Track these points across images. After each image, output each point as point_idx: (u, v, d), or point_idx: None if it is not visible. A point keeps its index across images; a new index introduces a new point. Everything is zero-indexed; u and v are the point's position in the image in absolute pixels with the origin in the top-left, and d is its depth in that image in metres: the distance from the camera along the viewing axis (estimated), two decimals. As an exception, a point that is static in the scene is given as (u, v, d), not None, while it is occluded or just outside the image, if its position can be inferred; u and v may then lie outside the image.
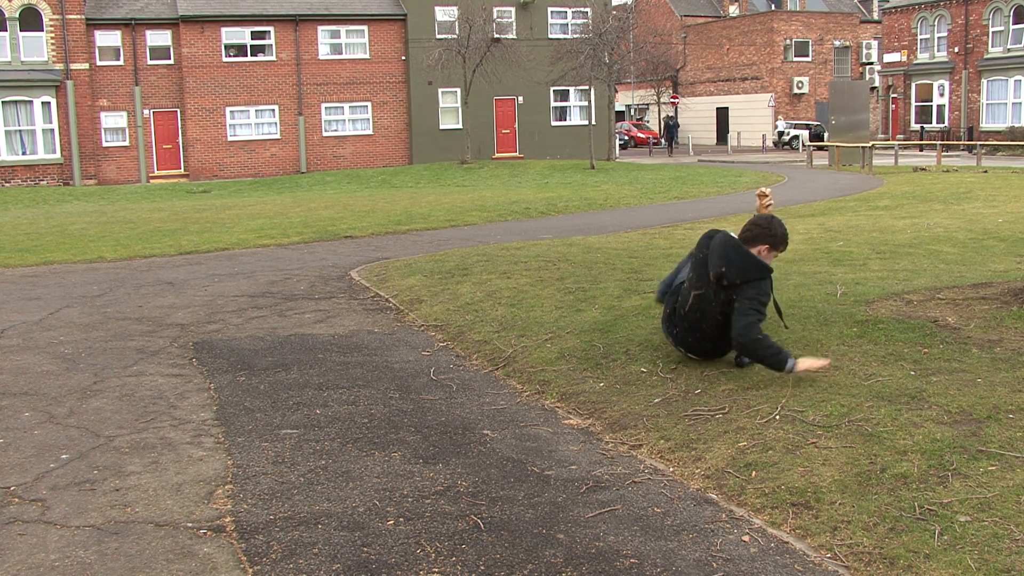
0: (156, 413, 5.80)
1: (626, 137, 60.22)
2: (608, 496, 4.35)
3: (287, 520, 4.16)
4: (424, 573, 3.65)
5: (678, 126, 50.42)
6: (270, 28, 40.91)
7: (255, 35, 40.88)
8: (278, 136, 41.60)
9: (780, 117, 57.08)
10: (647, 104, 66.87)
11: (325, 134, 42.11)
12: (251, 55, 41.01)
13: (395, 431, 5.33)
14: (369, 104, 42.55)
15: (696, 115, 62.33)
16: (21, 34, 38.37)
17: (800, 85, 58.39)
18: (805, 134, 51.68)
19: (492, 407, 5.76)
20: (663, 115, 61.29)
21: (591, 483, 4.51)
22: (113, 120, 40.01)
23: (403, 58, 42.51)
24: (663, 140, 50.65)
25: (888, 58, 52.06)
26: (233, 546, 3.94)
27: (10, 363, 7.20)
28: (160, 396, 6.17)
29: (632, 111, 69.96)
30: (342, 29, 41.89)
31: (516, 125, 44.60)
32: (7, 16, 38.02)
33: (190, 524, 4.18)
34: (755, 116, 58.83)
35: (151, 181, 39.84)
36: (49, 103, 38.45)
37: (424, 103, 42.91)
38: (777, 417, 4.95)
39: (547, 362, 6.48)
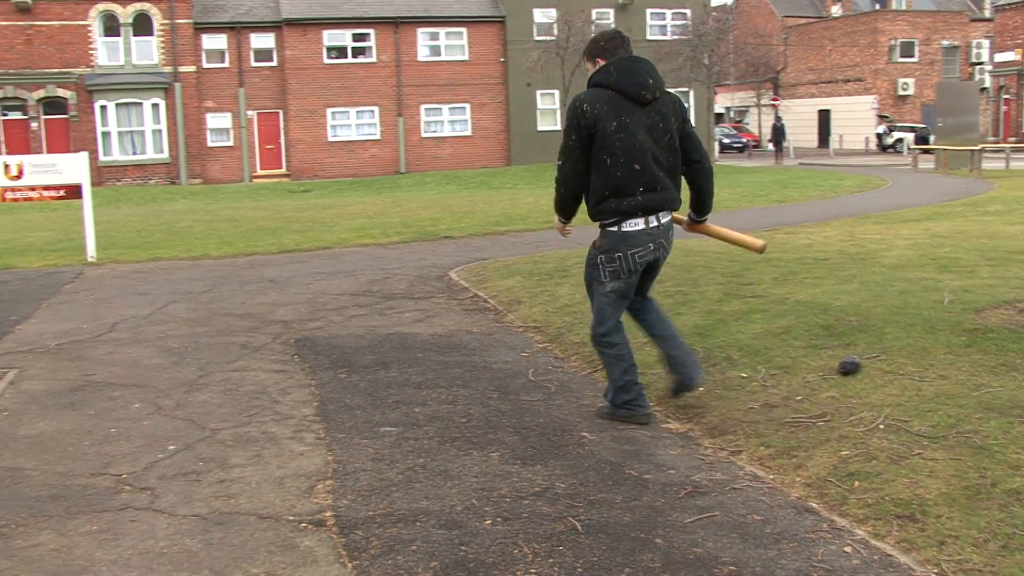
0: (259, 408, 5.92)
1: (743, 140, 59.13)
2: (707, 502, 4.31)
3: (386, 516, 4.20)
4: (521, 574, 3.65)
5: (785, 129, 49.42)
6: (371, 30, 41.44)
7: (356, 37, 41.45)
8: (378, 137, 42.10)
9: (882, 121, 55.86)
10: (747, 107, 66.09)
11: (424, 135, 42.50)
12: (352, 57, 41.59)
13: (493, 431, 5.35)
14: (468, 105, 42.83)
15: (797, 118, 61.40)
16: (134, 39, 39.54)
17: (905, 87, 57.20)
18: (910, 137, 50.57)
19: (591, 409, 5.74)
20: (772, 119, 60.45)
21: (689, 488, 4.47)
22: (218, 121, 40.93)
23: (501, 60, 42.69)
24: (771, 143, 49.75)
25: (1000, 57, 50.71)
26: (333, 540, 3.99)
27: (121, 356, 7.42)
28: (263, 391, 6.29)
29: (731, 114, 69.22)
30: (441, 31, 42.26)
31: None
32: (121, 22, 39.16)
33: (291, 517, 4.24)
34: (857, 118, 57.74)
35: (254, 180, 40.63)
36: (158, 105, 39.48)
37: (522, 105, 43.02)
38: (881, 426, 4.86)
39: (646, 365, 6.43)
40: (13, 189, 13.47)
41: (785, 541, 3.89)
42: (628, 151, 5.13)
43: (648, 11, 44.41)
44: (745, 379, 5.94)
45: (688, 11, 41.42)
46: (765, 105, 61.57)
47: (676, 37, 40.25)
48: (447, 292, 9.82)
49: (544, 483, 4.55)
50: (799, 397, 5.50)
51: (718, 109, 57.76)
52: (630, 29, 43.19)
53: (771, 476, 4.61)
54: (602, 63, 5.32)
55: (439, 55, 42.25)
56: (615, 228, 5.23)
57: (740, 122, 67.56)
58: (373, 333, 7.97)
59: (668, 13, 44.32)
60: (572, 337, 7.46)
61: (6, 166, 13.51)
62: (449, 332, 7.97)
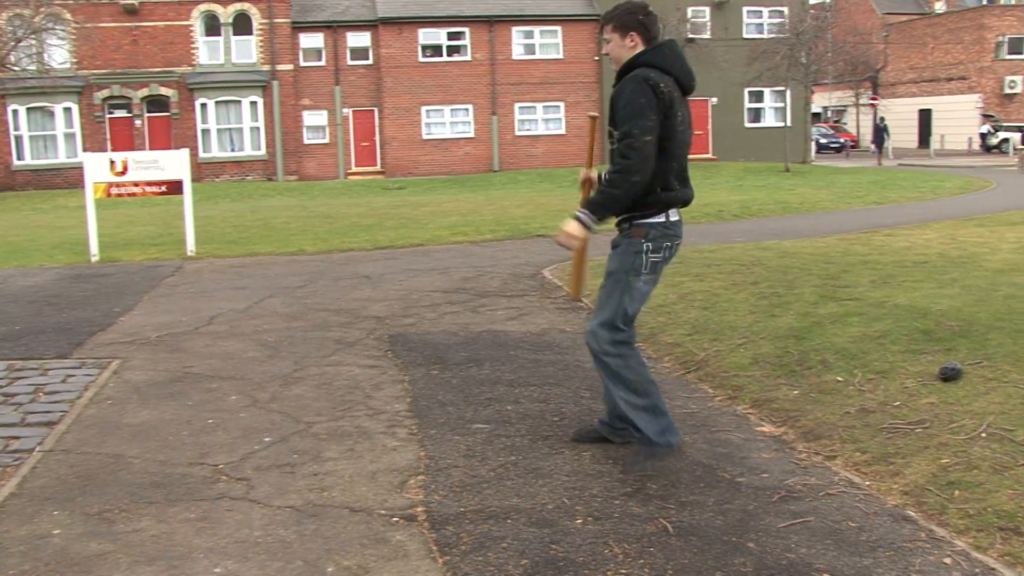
0: (352, 402, 5.99)
1: (841, 140, 58.00)
2: (801, 507, 4.25)
3: (477, 513, 4.22)
4: (611, 574, 3.64)
5: (887, 129, 48.01)
6: (465, 29, 41.64)
7: (451, 36, 41.69)
8: (472, 135, 42.29)
9: (987, 120, 54.34)
10: (844, 106, 64.94)
11: (518, 133, 42.57)
12: (447, 55, 41.80)
13: (585, 430, 5.34)
14: (562, 104, 42.78)
15: (896, 117, 60.10)
16: (233, 38, 40.33)
17: (1012, 85, 55.59)
18: (1016, 137, 49.15)
19: (683, 410, 5.70)
20: (872, 118, 59.30)
21: (783, 492, 4.41)
22: (314, 118, 41.49)
23: (596, 58, 42.54)
24: (872, 144, 48.62)
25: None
26: (424, 535, 4.03)
27: (219, 348, 7.58)
28: (356, 386, 6.36)
29: (828, 113, 68.08)
30: (536, 30, 42.27)
31: (709, 126, 43.99)
32: (222, 21, 39.97)
33: (383, 511, 4.29)
34: (960, 118, 56.29)
35: (349, 177, 41.10)
36: (256, 102, 40.19)
37: (616, 103, 42.81)
38: (983, 435, 4.74)
39: (740, 367, 6.38)
40: (118, 185, 13.83)
41: (881, 549, 3.82)
42: (681, 144, 4.77)
43: (745, 9, 43.84)
44: (841, 383, 5.84)
45: (785, 9, 40.77)
46: (863, 105, 60.41)
47: (773, 35, 39.63)
48: (540, 290, 9.82)
49: (636, 483, 4.54)
50: (897, 403, 5.39)
51: (815, 109, 56.79)
52: (726, 27, 42.78)
53: (867, 483, 4.53)
54: (638, 39, 4.76)
55: (533, 53, 42.28)
56: (662, 218, 4.77)
57: (838, 122, 66.42)
58: (466, 330, 8.01)
59: (765, 11, 43.70)
60: (665, 337, 7.41)
61: (112, 162, 13.88)
62: (542, 330, 7.97)
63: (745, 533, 3.97)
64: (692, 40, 38.75)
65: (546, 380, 6.40)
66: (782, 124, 39.39)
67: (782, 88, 38.70)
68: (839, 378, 5.92)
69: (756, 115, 45.09)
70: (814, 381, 5.96)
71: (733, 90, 42.97)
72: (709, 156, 43.49)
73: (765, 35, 41.75)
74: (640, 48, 4.76)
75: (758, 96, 44.47)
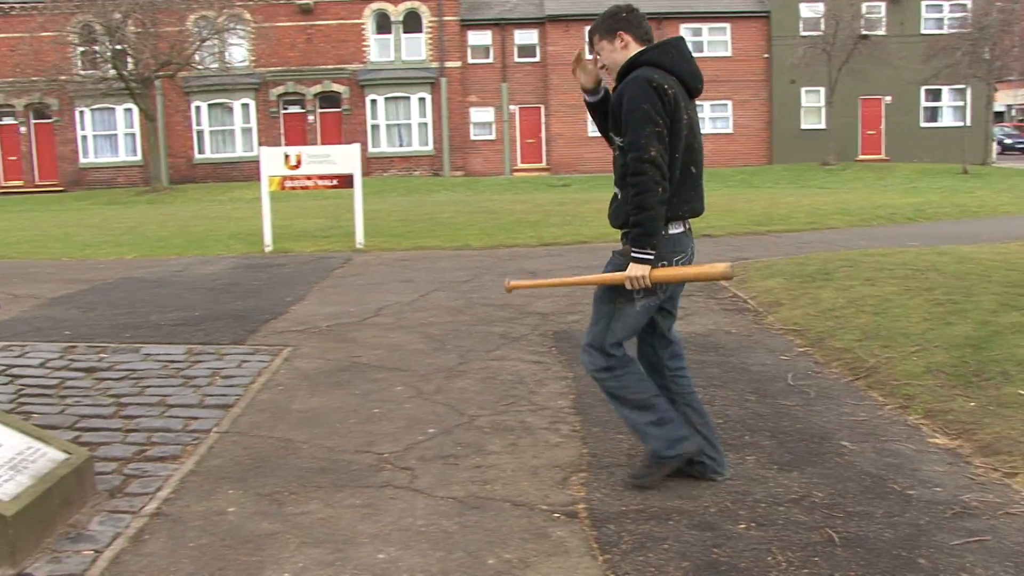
0: (516, 397, 6.03)
1: None
2: (977, 525, 4.06)
3: (639, 513, 4.19)
4: (775, 582, 3.58)
5: None
6: (633, 26, 41.40)
7: (619, 33, 41.51)
8: (637, 133, 42.02)
9: None
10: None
11: (685, 132, 42.12)
12: (614, 53, 41.66)
13: (750, 434, 5.25)
14: (729, 103, 42.21)
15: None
16: (403, 36, 41.15)
17: None
18: None
19: (851, 418, 5.54)
20: None
21: (957, 508, 4.23)
22: (481, 115, 41.99)
23: (765, 56, 41.82)
24: None
25: None
26: (585, 532, 4.03)
27: (386, 340, 7.74)
28: (520, 381, 6.41)
29: (1012, 112, 65.15)
30: (704, 27, 41.81)
31: (882, 126, 42.65)
32: (392, 20, 40.86)
33: (545, 507, 4.31)
34: None
35: (514, 174, 41.44)
36: (425, 99, 40.94)
37: (786, 102, 42.00)
38: None
39: (912, 376, 6.16)
40: (292, 178, 14.29)
41: (1067, 574, 3.63)
42: (691, 150, 4.39)
43: (924, 3, 42.28)
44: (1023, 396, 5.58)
45: (968, 2, 39.22)
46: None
47: (954, 31, 38.17)
48: (706, 291, 9.70)
49: (801, 491, 4.43)
50: (1084, 418, 5.12)
51: (998, 107, 54.34)
52: (902, 23, 41.38)
53: (1051, 502, 4.31)
54: (628, 38, 4.44)
55: (701, 51, 41.76)
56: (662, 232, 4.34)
57: (1023, 121, 63.49)
58: (629, 329, 7.97)
59: (946, 5, 42.06)
60: (834, 342, 7.22)
61: (286, 156, 14.35)
62: (707, 331, 7.88)
63: (916, 548, 3.83)
64: (865, 37, 37.65)
65: (710, 382, 6.31)
66: (961, 124, 37.93)
67: (962, 86, 37.29)
68: (1021, 391, 5.65)
69: (932, 114, 43.45)
70: (993, 393, 5.70)
71: (908, 88, 41.52)
72: (881, 157, 42.19)
73: (944, 30, 40.21)
74: (633, 47, 4.43)
75: (935, 95, 42.84)
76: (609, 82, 4.53)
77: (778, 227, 16.34)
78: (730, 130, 42.36)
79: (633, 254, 4.26)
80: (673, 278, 4.38)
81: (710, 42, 41.87)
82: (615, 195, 4.48)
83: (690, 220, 4.50)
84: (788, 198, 23.46)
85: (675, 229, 4.38)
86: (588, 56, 4.64)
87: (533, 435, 5.30)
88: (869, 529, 4.01)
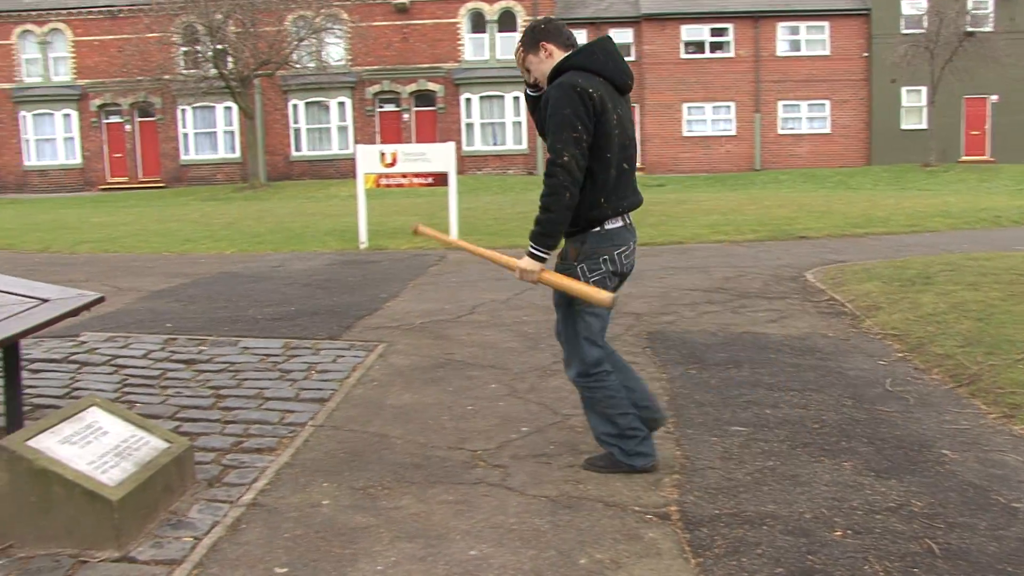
0: (609, 397, 6.00)
1: None
2: (1088, 539, 3.93)
3: (732, 517, 4.14)
4: (873, 591, 3.50)
5: None
6: (729, 25, 41.07)
7: (714, 32, 41.20)
8: (733, 133, 41.67)
9: None
10: None
11: (781, 132, 41.60)
12: (709, 52, 41.34)
13: (846, 440, 5.15)
14: (827, 102, 41.52)
15: None
16: (498, 35, 41.28)
17: None
18: None
19: (952, 426, 5.40)
20: None
21: (1066, 523, 4.10)
22: (574, 114, 41.79)
23: (864, 55, 41.01)
24: None
25: None
26: (678, 535, 3.99)
27: (480, 337, 7.77)
28: (613, 382, 6.37)
29: None
30: (802, 25, 41.16)
31: (988, 126, 41.52)
32: (487, 19, 41.06)
33: (637, 508, 4.28)
34: None
35: (609, 173, 41.23)
36: (519, 98, 40.97)
37: (885, 102, 41.14)
38: None
39: (1018, 384, 5.98)
40: (387, 176, 14.43)
41: None
42: (623, 148, 4.54)
43: (1036, -2, 41.03)
44: None
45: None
46: None
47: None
48: (802, 293, 9.56)
49: (899, 499, 4.33)
50: None
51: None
52: (1012, 19, 40.19)
53: None
54: (551, 47, 4.57)
55: (799, 50, 41.17)
56: (597, 228, 4.53)
57: None
58: (725, 331, 7.89)
59: (1063, -2, 40.77)
60: (935, 348, 7.05)
61: (382, 154, 14.49)
62: (803, 334, 7.75)
63: (1023, 564, 3.71)
64: (971, 34, 36.67)
65: (807, 385, 6.21)
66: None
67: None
68: None
69: (1045, 113, 42.13)
70: (1104, 403, 5.52)
71: (1017, 87, 40.28)
72: (986, 158, 41.08)
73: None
74: (557, 54, 4.55)
75: (1049, 92, 41.52)
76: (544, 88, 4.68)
77: (877, 229, 16.02)
78: (828, 130, 41.65)
79: (530, 249, 4.46)
80: (558, 287, 4.52)
81: (808, 41, 41.20)
82: None
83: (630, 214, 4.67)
84: (887, 200, 23.00)
85: (613, 224, 4.54)
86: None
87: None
88: (972, 542, 3.90)
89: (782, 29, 41.04)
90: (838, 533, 3.97)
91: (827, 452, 4.94)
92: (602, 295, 4.40)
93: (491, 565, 3.75)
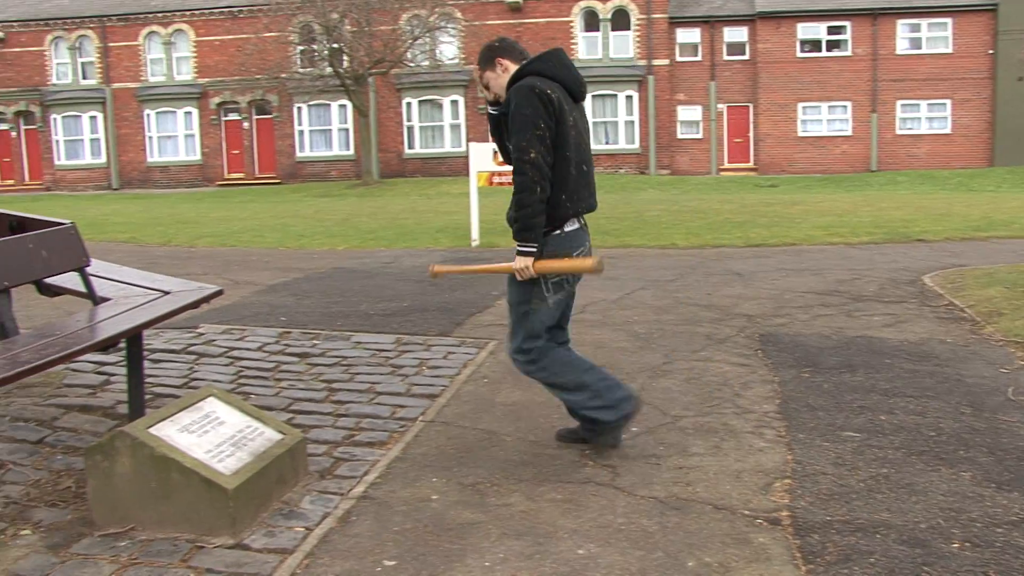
0: (720, 399, 5.95)
1: None
2: None
3: (845, 524, 4.07)
4: (993, 606, 3.40)
5: None
6: (847, 23, 40.22)
7: (831, 30, 40.40)
8: (849, 133, 40.82)
9: None
10: None
11: (899, 132, 40.59)
12: (826, 50, 40.58)
13: (965, 449, 5.01)
14: (948, 102, 40.37)
15: None
16: (611, 33, 41.15)
17: None
18: None
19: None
20: None
21: None
22: (688, 114, 41.58)
23: (990, 52, 39.76)
24: None
25: None
26: (788, 540, 3.93)
27: (591, 337, 7.76)
28: (725, 383, 6.31)
29: None
30: (923, 22, 40.06)
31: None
32: (600, 17, 40.98)
33: (747, 512, 4.23)
34: None
35: (720, 173, 40.89)
36: (632, 97, 40.88)
37: (1011, 101, 39.80)
38: None
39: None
40: (500, 174, 14.48)
41: None
42: (580, 150, 4.81)
43: None
44: None
45: None
46: None
47: None
48: (919, 298, 9.32)
49: (1022, 512, 4.20)
50: None
51: None
52: None
53: None
54: (506, 62, 4.87)
55: (919, 48, 40.10)
56: (558, 231, 4.79)
57: None
58: (839, 334, 7.74)
59: None
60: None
61: (495, 152, 14.53)
62: (920, 340, 7.56)
63: None
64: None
65: (923, 392, 6.05)
66: None
67: None
68: None
69: None
70: None
71: None
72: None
73: None
74: (511, 69, 4.83)
75: None
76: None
77: (999, 233, 15.53)
78: (948, 130, 40.50)
79: (518, 248, 4.70)
80: (551, 269, 4.77)
81: (929, 38, 40.07)
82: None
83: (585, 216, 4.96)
84: (1011, 202, 22.29)
85: (571, 227, 4.82)
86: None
87: (737, 438, 5.21)
88: (1104, 560, 3.76)
89: (902, 26, 40.02)
90: (955, 545, 3.86)
91: (944, 461, 4.82)
92: (588, 263, 4.76)
93: (598, 565, 3.75)
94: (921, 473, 4.65)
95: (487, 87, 4.94)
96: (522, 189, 4.59)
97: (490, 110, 5.03)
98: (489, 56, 4.91)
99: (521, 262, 4.71)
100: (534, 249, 4.69)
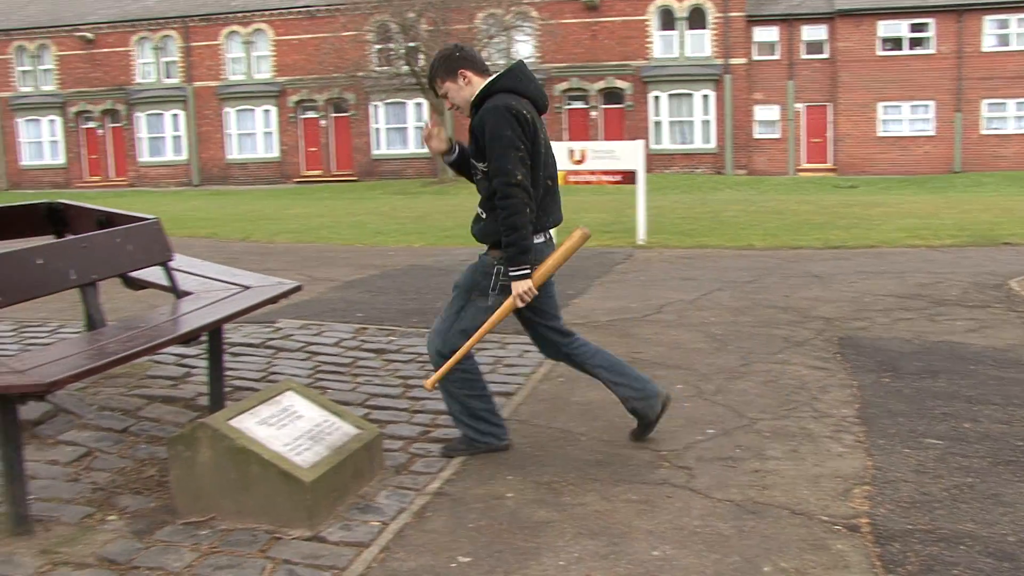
0: (798, 403, 5.87)
1: None
2: None
3: (926, 533, 3.99)
4: (1083, 620, 3.31)
5: None
6: (930, 20, 39.43)
7: (913, 27, 39.66)
8: (932, 133, 40.05)
9: None
10: None
11: (984, 132, 39.71)
12: (908, 48, 39.84)
13: (1055, 459, 4.89)
14: (1037, 100, 39.38)
15: None
16: (687, 32, 40.92)
17: None
18: None
19: None
20: None
21: None
22: (765, 113, 41.16)
23: (1085, 48, 38.66)
24: None
25: None
26: (867, 548, 3.87)
27: (667, 337, 7.72)
28: (802, 386, 6.23)
29: None
30: (1012, 18, 39.08)
31: None
32: (677, 16, 40.75)
33: (825, 518, 4.17)
34: None
35: (798, 174, 40.41)
36: (708, 96, 40.62)
37: (1106, 99, 38.66)
38: None
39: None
40: (576, 173, 14.47)
41: None
42: (548, 166, 4.81)
43: None
44: None
45: None
46: None
47: None
48: (1006, 302, 9.10)
49: (1114, 526, 4.08)
50: None
51: None
52: None
53: None
54: (469, 74, 4.76)
55: (1007, 45, 39.11)
56: None
57: None
58: (921, 339, 7.59)
59: None
60: None
61: (571, 151, 14.54)
62: (1007, 346, 7.37)
63: None
64: None
65: (1010, 400, 5.91)
66: None
67: None
68: None
69: None
70: None
71: None
72: None
73: None
74: (476, 80, 4.75)
75: None
76: (464, 115, 4.89)
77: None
78: (1035, 131, 39.54)
79: (512, 273, 4.68)
80: (551, 270, 4.79)
81: (1018, 35, 39.01)
82: (478, 215, 4.84)
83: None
84: (1101, 206, 21.72)
85: (537, 240, 4.78)
86: (446, 108, 5.30)
87: (815, 443, 5.14)
88: None
89: (989, 23, 39.12)
90: (1045, 559, 3.77)
91: (1034, 470, 4.70)
92: (575, 237, 4.76)
93: (673, 567, 3.72)
94: (1008, 484, 4.54)
95: (446, 96, 4.85)
96: (514, 212, 4.58)
97: (446, 160, 5.02)
98: (451, 66, 4.79)
99: (521, 286, 4.70)
100: (529, 270, 4.70)
